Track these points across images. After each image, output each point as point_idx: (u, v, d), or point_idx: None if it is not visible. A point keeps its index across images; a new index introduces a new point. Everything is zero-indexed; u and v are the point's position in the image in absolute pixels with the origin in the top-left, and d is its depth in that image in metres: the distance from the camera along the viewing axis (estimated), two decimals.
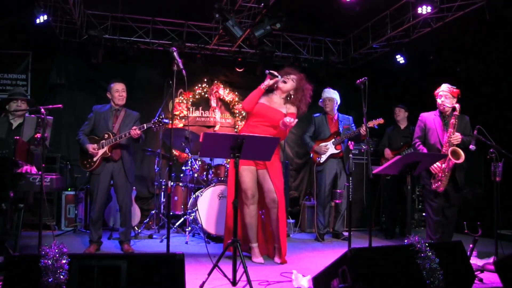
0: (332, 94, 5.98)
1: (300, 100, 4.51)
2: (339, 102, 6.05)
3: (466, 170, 4.46)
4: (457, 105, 4.24)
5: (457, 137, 4.23)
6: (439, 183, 4.24)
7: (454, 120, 4.24)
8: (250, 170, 4.43)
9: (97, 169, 4.73)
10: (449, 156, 4.16)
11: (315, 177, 5.98)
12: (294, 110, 4.53)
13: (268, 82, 4.45)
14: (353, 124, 6.07)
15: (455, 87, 4.45)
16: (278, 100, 4.54)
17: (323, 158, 5.85)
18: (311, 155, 6.04)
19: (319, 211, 5.92)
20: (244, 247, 4.56)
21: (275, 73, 4.44)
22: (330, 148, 5.85)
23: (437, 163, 4.23)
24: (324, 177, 5.85)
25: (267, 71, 4.46)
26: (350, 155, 4.47)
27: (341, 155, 5.90)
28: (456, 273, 2.95)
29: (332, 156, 5.86)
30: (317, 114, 6.07)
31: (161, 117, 4.59)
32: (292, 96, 4.53)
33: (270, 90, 4.56)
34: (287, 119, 4.14)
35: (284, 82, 4.49)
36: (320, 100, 6.05)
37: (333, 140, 5.86)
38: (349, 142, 4.77)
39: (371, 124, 5.45)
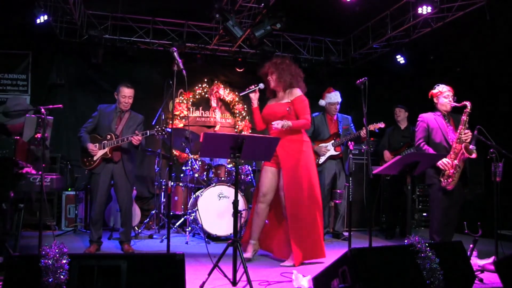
0: (339, 98, 5.95)
1: (289, 80, 4.44)
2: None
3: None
4: (468, 103, 4.22)
5: (468, 134, 4.23)
6: (450, 179, 4.20)
7: (465, 117, 4.22)
8: (271, 171, 4.45)
9: (97, 168, 4.72)
10: (463, 150, 4.14)
11: None
12: (295, 94, 4.42)
13: (254, 99, 4.50)
14: (352, 124, 6.06)
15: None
16: (281, 95, 4.52)
17: (322, 159, 5.84)
18: None
19: None
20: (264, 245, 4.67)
21: (251, 88, 4.46)
22: (330, 149, 5.85)
23: (447, 159, 4.19)
24: (323, 178, 5.83)
25: (241, 94, 4.55)
26: (350, 155, 4.47)
27: (341, 156, 5.90)
28: (456, 273, 2.95)
29: (331, 157, 5.85)
30: (316, 114, 6.06)
31: (164, 125, 4.61)
32: (286, 83, 4.47)
33: (272, 92, 4.57)
34: (274, 124, 4.23)
35: (269, 83, 4.50)
36: (322, 101, 6.00)
37: (333, 141, 5.86)
38: (350, 142, 4.77)
39: (372, 127, 5.47)
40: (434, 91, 4.49)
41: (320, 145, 5.87)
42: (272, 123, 4.26)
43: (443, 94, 4.43)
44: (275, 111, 4.40)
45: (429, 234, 4.38)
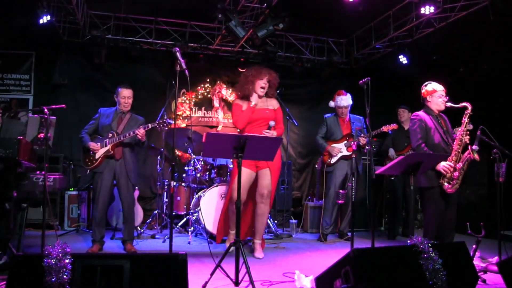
0: (349, 102, 5.92)
1: (273, 92, 4.88)
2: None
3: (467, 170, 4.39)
4: (468, 105, 4.12)
5: (468, 134, 4.13)
6: (454, 181, 4.05)
7: (466, 119, 4.10)
8: (250, 173, 4.65)
9: (99, 167, 4.73)
10: (470, 151, 4.04)
11: (325, 177, 5.93)
12: (276, 104, 4.86)
13: (255, 99, 4.76)
14: (364, 125, 6.01)
15: None
16: (257, 100, 4.79)
17: (334, 159, 5.82)
18: (322, 155, 6.01)
19: (326, 211, 5.88)
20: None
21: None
22: (342, 150, 5.83)
23: (449, 162, 4.02)
24: (334, 178, 5.82)
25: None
26: (354, 156, 4.47)
27: (353, 156, 5.86)
28: (459, 274, 2.95)
29: (343, 157, 5.84)
30: (329, 115, 6.03)
31: (165, 117, 4.61)
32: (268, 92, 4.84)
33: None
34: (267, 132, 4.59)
35: (262, 89, 4.76)
36: (331, 103, 5.99)
37: (346, 142, 5.84)
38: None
39: (385, 129, 5.62)
40: (429, 89, 4.25)
41: (333, 145, 5.85)
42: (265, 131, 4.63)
43: (438, 93, 4.21)
44: (268, 117, 4.72)
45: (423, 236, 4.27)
